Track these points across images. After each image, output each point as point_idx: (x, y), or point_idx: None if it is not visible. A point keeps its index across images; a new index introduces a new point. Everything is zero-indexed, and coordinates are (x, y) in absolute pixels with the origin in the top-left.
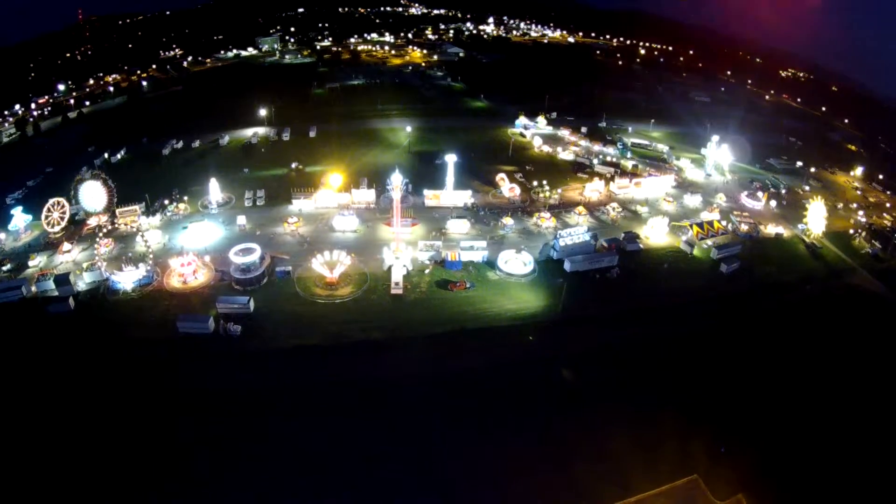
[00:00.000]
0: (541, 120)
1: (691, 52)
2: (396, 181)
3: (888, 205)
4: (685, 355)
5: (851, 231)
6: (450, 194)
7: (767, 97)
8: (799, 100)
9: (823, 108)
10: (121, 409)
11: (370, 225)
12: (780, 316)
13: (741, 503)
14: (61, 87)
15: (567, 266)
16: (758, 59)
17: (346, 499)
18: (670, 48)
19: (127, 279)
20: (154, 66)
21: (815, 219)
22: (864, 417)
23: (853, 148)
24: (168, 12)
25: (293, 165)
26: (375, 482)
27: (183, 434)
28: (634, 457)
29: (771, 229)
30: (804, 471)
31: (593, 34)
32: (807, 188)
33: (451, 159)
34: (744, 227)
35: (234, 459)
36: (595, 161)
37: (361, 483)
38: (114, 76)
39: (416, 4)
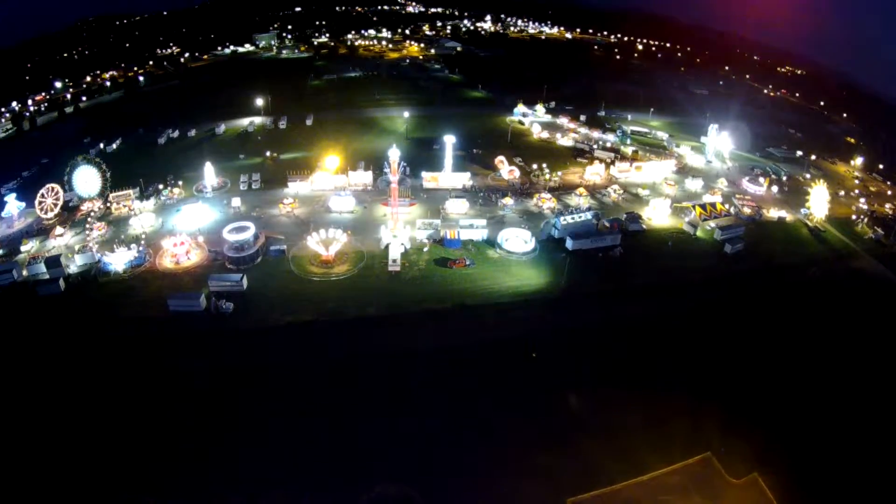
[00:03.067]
0: (539, 108)
1: (689, 48)
2: (394, 156)
3: (889, 193)
4: (692, 333)
5: (854, 217)
6: (448, 176)
7: (766, 91)
8: (797, 95)
9: (822, 103)
10: (108, 389)
11: (367, 206)
12: (786, 296)
13: (757, 482)
14: (58, 84)
15: (569, 244)
16: (755, 57)
17: (339, 479)
18: (667, 45)
19: (118, 260)
20: (151, 63)
21: (818, 203)
22: (872, 396)
23: (852, 140)
24: (165, 13)
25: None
26: (372, 461)
27: (172, 413)
28: (643, 434)
29: (773, 213)
30: (819, 450)
31: (591, 31)
32: (807, 176)
33: (449, 140)
34: (746, 210)
35: (226, 438)
36: (595, 147)
37: (357, 462)
38: (111, 72)
39: (414, 3)
